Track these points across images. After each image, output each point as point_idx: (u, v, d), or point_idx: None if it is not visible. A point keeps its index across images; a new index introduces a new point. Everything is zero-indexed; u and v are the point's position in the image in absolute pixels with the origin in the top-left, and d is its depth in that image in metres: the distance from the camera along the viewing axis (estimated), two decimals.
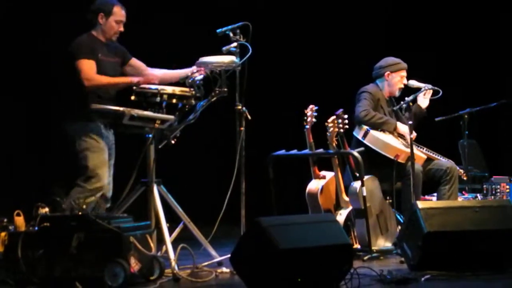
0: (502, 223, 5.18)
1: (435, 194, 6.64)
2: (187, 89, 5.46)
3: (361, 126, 6.42)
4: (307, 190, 6.27)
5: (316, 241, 4.58)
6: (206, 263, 5.44)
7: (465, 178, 7.05)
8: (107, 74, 5.59)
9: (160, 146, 5.52)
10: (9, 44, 7.69)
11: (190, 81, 5.46)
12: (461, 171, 6.89)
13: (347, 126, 6.12)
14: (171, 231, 5.37)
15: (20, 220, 5.02)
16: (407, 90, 6.56)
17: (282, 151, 6.31)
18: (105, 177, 5.57)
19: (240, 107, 5.54)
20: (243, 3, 8.34)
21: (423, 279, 4.90)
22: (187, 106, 5.49)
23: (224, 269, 5.35)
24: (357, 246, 6.04)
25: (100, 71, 5.56)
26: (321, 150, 6.20)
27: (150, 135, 5.46)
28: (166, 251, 5.23)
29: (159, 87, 5.43)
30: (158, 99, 5.38)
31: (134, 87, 5.44)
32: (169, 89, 5.43)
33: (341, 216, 6.12)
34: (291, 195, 7.04)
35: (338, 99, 6.37)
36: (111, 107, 5.43)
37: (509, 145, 8.97)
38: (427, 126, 6.80)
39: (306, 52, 8.88)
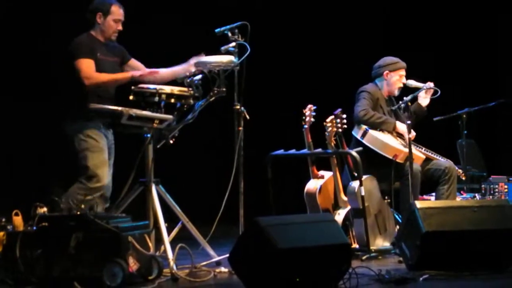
0: (500, 223, 5.18)
1: (434, 194, 6.64)
2: (185, 89, 5.46)
3: (360, 126, 6.42)
4: (305, 190, 6.27)
5: (314, 240, 4.58)
6: (204, 263, 5.44)
7: (463, 178, 7.05)
8: (107, 74, 5.59)
9: (158, 146, 5.51)
10: (9, 44, 7.69)
11: (188, 80, 5.46)
12: (460, 171, 6.89)
13: (345, 126, 6.12)
14: (169, 231, 5.37)
15: (18, 220, 5.02)
16: (406, 90, 6.56)
17: (281, 151, 6.31)
18: (106, 177, 5.57)
19: (238, 106, 5.54)
20: (241, 2, 8.34)
21: (421, 278, 4.90)
22: (185, 106, 5.49)
23: (223, 269, 5.35)
24: (355, 245, 6.04)
25: (99, 70, 5.56)
26: (319, 149, 6.21)
27: (149, 135, 5.46)
28: (165, 251, 5.23)
29: (158, 86, 5.43)
30: (156, 98, 5.38)
31: (133, 87, 5.44)
32: (168, 89, 5.43)
33: (340, 215, 6.12)
34: (290, 195, 7.04)
35: (337, 99, 6.37)
36: (109, 107, 5.43)
37: (508, 145, 8.97)
38: (425, 125, 6.80)
39: (304, 52, 8.88)
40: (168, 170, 6.02)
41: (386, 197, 6.35)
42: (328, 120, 6.09)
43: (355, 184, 6.07)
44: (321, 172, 6.31)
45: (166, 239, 5.27)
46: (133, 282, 4.88)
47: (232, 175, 5.50)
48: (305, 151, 6.25)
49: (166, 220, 5.35)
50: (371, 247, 5.96)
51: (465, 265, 5.06)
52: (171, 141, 5.53)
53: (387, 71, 6.60)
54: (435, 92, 6.50)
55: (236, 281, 4.74)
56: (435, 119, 7.33)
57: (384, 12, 9.18)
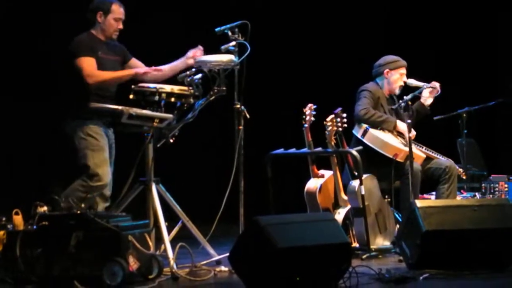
0: (500, 222, 5.18)
1: (434, 193, 6.64)
2: (185, 88, 5.46)
3: (361, 125, 6.42)
4: (305, 189, 6.27)
5: (314, 240, 4.58)
6: (204, 262, 5.44)
7: (464, 177, 7.05)
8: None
9: (158, 145, 5.51)
10: (9, 44, 7.68)
11: (188, 79, 5.46)
12: (461, 170, 6.89)
13: (345, 125, 6.12)
14: (169, 230, 5.38)
15: (18, 219, 5.02)
16: (407, 89, 6.56)
17: (281, 150, 6.31)
18: (107, 176, 5.57)
19: (238, 106, 5.54)
20: (241, 1, 8.34)
21: (421, 277, 4.90)
22: (185, 105, 5.49)
23: (223, 268, 5.35)
24: (355, 245, 6.04)
25: (100, 69, 5.57)
26: (319, 148, 6.20)
27: (149, 134, 5.46)
28: (165, 250, 5.23)
29: (158, 85, 5.43)
30: (156, 97, 5.38)
31: (133, 86, 5.44)
32: (168, 88, 5.43)
33: (340, 215, 6.12)
34: (290, 194, 7.04)
35: (337, 98, 6.36)
36: (109, 106, 5.43)
37: (507, 144, 8.97)
38: (425, 124, 6.80)
39: (304, 51, 8.88)
40: (168, 169, 6.02)
41: (386, 196, 6.35)
42: (328, 119, 6.08)
43: (355, 183, 6.06)
44: (321, 171, 6.31)
45: (166, 238, 5.27)
46: (133, 281, 4.87)
47: (232, 174, 5.50)
48: (305, 150, 6.25)
49: (166, 219, 5.35)
50: (371, 246, 5.96)
51: (465, 264, 5.06)
52: (171, 140, 5.53)
53: (387, 70, 6.60)
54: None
55: (236, 280, 4.74)
56: (435, 118, 7.33)
57: (385, 11, 9.18)
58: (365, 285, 4.76)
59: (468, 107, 7.34)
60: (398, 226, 6.18)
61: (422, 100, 6.63)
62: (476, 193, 7.39)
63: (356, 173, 6.07)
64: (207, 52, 5.67)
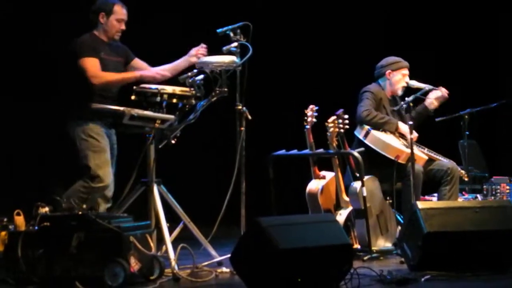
0: (502, 224, 5.18)
1: (436, 194, 6.64)
2: (187, 89, 5.46)
3: (363, 126, 6.42)
4: (307, 190, 6.26)
5: (316, 241, 4.57)
6: (206, 263, 5.44)
7: (466, 179, 7.04)
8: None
9: (160, 146, 5.51)
10: (9, 43, 7.68)
11: (190, 80, 5.46)
12: (463, 171, 6.89)
13: (347, 126, 6.12)
14: (171, 231, 5.37)
15: (20, 220, 5.02)
16: (409, 91, 6.55)
17: (282, 151, 6.30)
18: (108, 177, 5.57)
19: (240, 107, 5.54)
20: (243, 2, 8.34)
21: (423, 279, 4.90)
22: (187, 106, 5.49)
23: (224, 269, 5.35)
24: (357, 246, 6.04)
25: (102, 70, 5.57)
26: (321, 150, 6.20)
27: (151, 135, 5.46)
28: (166, 251, 5.23)
29: (159, 86, 5.43)
30: (158, 98, 5.38)
31: (134, 87, 5.44)
32: (169, 89, 5.43)
33: (341, 216, 6.12)
34: (291, 195, 7.03)
35: (339, 99, 6.36)
36: (111, 107, 5.43)
37: (509, 146, 8.96)
38: (427, 126, 6.79)
39: (306, 52, 8.87)
40: (170, 170, 6.02)
41: (388, 198, 6.35)
42: (330, 120, 6.08)
43: (357, 184, 6.06)
44: (323, 173, 6.31)
45: (168, 239, 5.27)
46: (134, 282, 4.88)
47: (234, 175, 5.50)
48: (307, 151, 6.25)
49: (167, 220, 5.35)
50: (373, 248, 5.96)
51: (467, 266, 5.06)
52: (173, 141, 5.52)
53: (389, 71, 6.60)
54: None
55: (237, 281, 4.74)
56: (437, 119, 7.33)
57: (386, 12, 9.17)
58: (367, 286, 4.76)
59: (470, 108, 7.34)
60: (399, 227, 6.18)
61: (426, 103, 6.62)
62: (478, 195, 7.38)
63: (358, 175, 6.07)
64: (209, 53, 5.67)
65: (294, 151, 6.29)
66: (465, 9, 9.04)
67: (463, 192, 7.28)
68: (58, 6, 7.76)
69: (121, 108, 5.35)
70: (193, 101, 5.49)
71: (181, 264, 5.31)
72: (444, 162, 6.59)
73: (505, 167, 8.03)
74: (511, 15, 9.05)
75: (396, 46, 8.08)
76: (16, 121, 7.70)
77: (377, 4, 9.13)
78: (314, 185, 6.24)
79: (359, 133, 6.43)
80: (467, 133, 7.34)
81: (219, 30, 5.57)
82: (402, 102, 6.35)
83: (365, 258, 5.82)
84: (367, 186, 5.99)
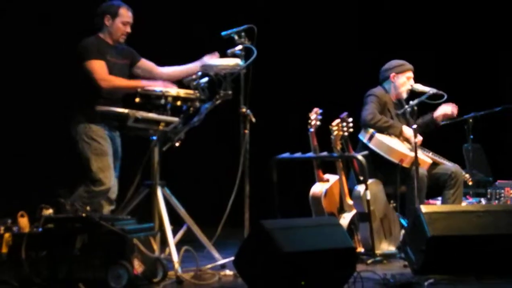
0: (506, 228, 5.17)
1: (440, 198, 6.63)
2: (191, 92, 5.46)
3: (367, 130, 6.42)
4: (310, 194, 6.25)
5: (319, 244, 4.58)
6: (209, 266, 5.44)
7: (470, 183, 7.03)
8: (116, 76, 5.59)
9: (164, 148, 5.52)
10: (9, 43, 7.68)
11: (194, 83, 5.47)
12: (467, 175, 6.88)
13: (351, 130, 6.11)
14: (174, 233, 5.38)
15: (24, 221, 5.03)
16: (412, 94, 6.55)
17: (286, 154, 6.30)
18: (109, 181, 5.57)
19: (244, 109, 5.54)
20: (248, 5, 8.34)
21: (426, 283, 4.89)
22: (191, 109, 5.50)
23: (228, 272, 5.35)
24: (360, 249, 6.03)
25: (109, 72, 5.57)
26: (325, 153, 6.20)
27: (155, 137, 5.46)
28: (170, 253, 5.24)
29: (164, 89, 5.43)
30: (162, 101, 5.39)
31: (139, 89, 5.44)
32: (174, 92, 5.44)
33: (345, 219, 6.11)
34: (295, 198, 7.03)
35: (343, 102, 6.36)
36: (115, 109, 5.43)
37: None
38: (432, 130, 6.79)
39: (310, 55, 8.87)
40: (174, 172, 6.03)
41: (392, 201, 6.34)
42: (334, 123, 6.08)
43: (360, 188, 6.06)
44: (327, 176, 6.31)
45: (171, 241, 5.27)
46: (138, 285, 4.88)
47: (238, 178, 5.50)
48: (310, 154, 6.24)
49: (171, 223, 5.35)
50: (376, 251, 5.95)
51: (470, 270, 5.05)
52: (177, 144, 5.53)
53: (393, 74, 6.60)
54: (441, 97, 6.49)
55: (241, 284, 4.75)
56: (441, 123, 7.32)
57: (393, 16, 9.17)
58: None
59: (474, 112, 7.33)
60: (403, 231, 6.18)
61: (435, 115, 6.64)
62: (482, 199, 7.38)
63: (362, 178, 6.07)
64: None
65: (298, 154, 6.29)
66: (467, 10, 9.03)
67: (467, 196, 7.27)
68: (60, 6, 7.76)
69: (126, 111, 5.35)
70: (198, 104, 5.49)
71: (185, 266, 5.31)
72: (448, 166, 6.58)
73: (509, 171, 8.02)
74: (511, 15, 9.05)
75: (402, 49, 8.06)
76: (21, 123, 7.70)
77: (382, 6, 9.13)
78: (318, 188, 6.24)
79: (363, 137, 6.43)
80: (472, 137, 7.33)
81: (223, 33, 5.57)
82: (407, 106, 6.35)
83: (369, 261, 5.82)
84: (371, 189, 5.99)
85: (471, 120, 7.28)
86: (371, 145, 6.36)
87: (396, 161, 6.28)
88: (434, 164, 6.54)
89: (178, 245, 5.30)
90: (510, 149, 9.04)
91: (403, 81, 6.59)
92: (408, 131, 6.42)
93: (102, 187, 5.53)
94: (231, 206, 5.52)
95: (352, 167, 6.23)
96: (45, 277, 4.83)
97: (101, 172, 5.54)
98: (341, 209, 6.20)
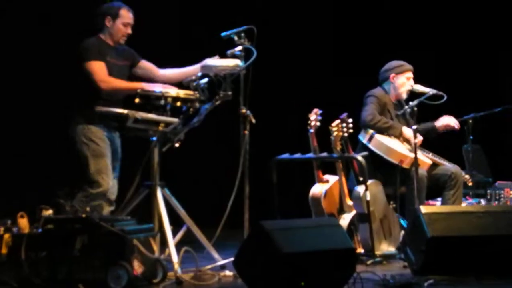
0: (505, 229, 5.17)
1: (440, 199, 6.63)
2: (191, 92, 5.46)
3: (367, 130, 6.42)
4: (310, 194, 6.26)
5: (319, 245, 4.58)
6: (209, 266, 5.44)
7: (470, 184, 7.03)
8: (115, 77, 5.59)
9: (164, 149, 5.52)
10: (9, 43, 7.68)
11: (194, 84, 5.47)
12: (467, 176, 6.88)
13: (351, 130, 6.11)
14: (174, 234, 5.38)
15: (24, 222, 5.03)
16: (412, 95, 6.55)
17: (286, 155, 6.30)
18: (107, 183, 5.56)
19: (244, 110, 5.54)
20: (247, 6, 8.34)
21: (426, 284, 4.89)
22: (191, 109, 5.49)
23: (227, 273, 5.35)
24: (360, 250, 6.03)
25: (108, 73, 5.57)
26: (325, 154, 6.20)
27: (154, 138, 5.46)
28: (169, 254, 5.23)
29: (163, 90, 5.43)
30: (162, 102, 5.38)
31: (138, 90, 5.44)
32: (173, 92, 5.43)
33: (345, 220, 6.11)
34: (295, 199, 7.03)
35: (343, 103, 6.36)
36: (115, 110, 5.42)
37: None
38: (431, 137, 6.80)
39: (310, 56, 8.88)
40: (174, 173, 6.02)
41: (392, 202, 6.35)
42: (334, 124, 6.08)
43: (360, 188, 6.06)
44: (327, 177, 6.31)
45: (171, 242, 5.27)
46: (137, 285, 4.88)
47: (238, 179, 5.50)
48: (310, 155, 6.24)
49: (171, 223, 5.35)
50: (376, 252, 5.96)
51: (470, 271, 5.05)
52: (177, 145, 5.53)
53: (393, 74, 6.60)
54: (441, 97, 6.49)
55: (240, 284, 4.75)
56: (442, 132, 7.32)
57: (392, 15, 9.17)
58: None
59: (474, 113, 7.33)
60: (403, 232, 6.18)
61: (437, 125, 6.65)
62: (481, 200, 7.38)
63: (361, 179, 6.07)
64: (212, 56, 5.67)
65: (298, 155, 6.29)
66: (468, 11, 9.03)
67: (467, 197, 7.27)
68: (61, 6, 7.76)
69: (125, 111, 5.35)
70: (197, 105, 5.49)
71: (184, 267, 5.31)
72: (448, 166, 6.59)
73: (509, 172, 8.02)
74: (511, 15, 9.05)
75: (402, 50, 8.07)
76: (20, 123, 7.70)
77: (383, 7, 9.13)
78: (317, 189, 6.24)
79: (363, 137, 6.44)
80: (471, 137, 7.33)
81: (223, 34, 5.57)
82: (406, 107, 6.35)
83: (368, 262, 5.82)
84: (370, 190, 5.99)
85: (470, 121, 7.28)
86: (371, 146, 6.36)
87: (396, 162, 6.28)
88: (434, 164, 6.54)
89: (178, 246, 5.30)
90: (510, 150, 9.03)
91: (403, 81, 6.59)
92: (408, 131, 6.42)
93: (99, 189, 5.52)
94: (231, 207, 5.52)
95: (352, 168, 6.24)
96: (45, 278, 4.83)
97: (98, 173, 5.53)
98: (341, 210, 6.21)
